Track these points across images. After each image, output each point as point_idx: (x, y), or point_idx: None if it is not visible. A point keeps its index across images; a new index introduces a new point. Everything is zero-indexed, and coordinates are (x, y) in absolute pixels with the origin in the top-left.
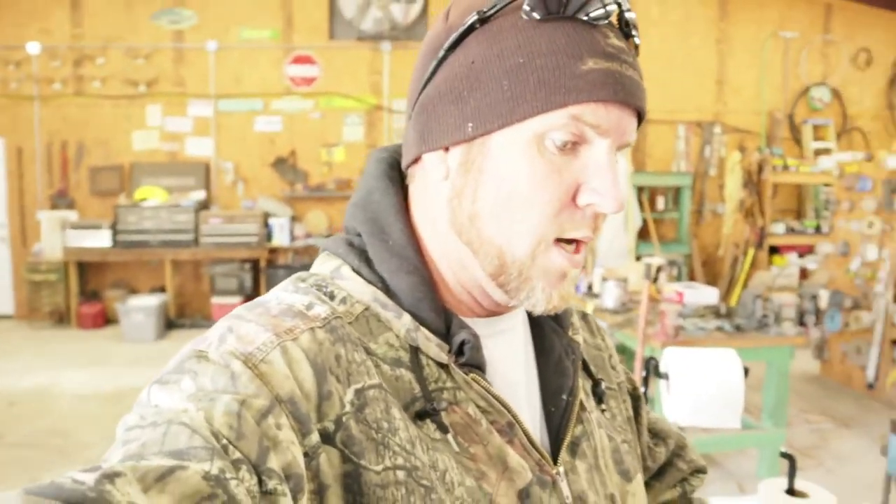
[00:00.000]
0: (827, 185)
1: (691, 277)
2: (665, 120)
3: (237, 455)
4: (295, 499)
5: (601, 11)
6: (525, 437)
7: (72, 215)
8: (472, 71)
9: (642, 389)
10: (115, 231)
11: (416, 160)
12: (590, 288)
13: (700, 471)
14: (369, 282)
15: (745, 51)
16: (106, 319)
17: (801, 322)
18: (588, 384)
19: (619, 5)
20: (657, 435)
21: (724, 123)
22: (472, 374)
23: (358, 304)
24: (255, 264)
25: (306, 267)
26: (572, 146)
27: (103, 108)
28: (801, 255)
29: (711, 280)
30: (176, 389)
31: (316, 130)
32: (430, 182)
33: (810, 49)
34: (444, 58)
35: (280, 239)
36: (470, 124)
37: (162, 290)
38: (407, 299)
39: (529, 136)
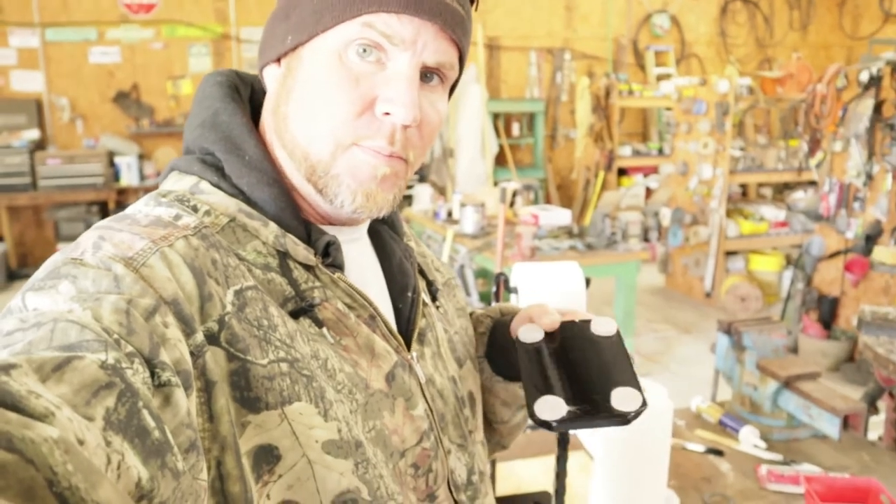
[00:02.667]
0: (668, 108)
1: (547, 200)
2: (517, 47)
3: (129, 349)
4: (185, 394)
5: None
6: (385, 327)
7: None
8: None
9: (494, 304)
10: None
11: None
12: (449, 214)
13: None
14: (231, 195)
15: None
16: None
17: (645, 238)
18: (423, 283)
19: None
20: None
21: (574, 50)
22: (336, 274)
23: (223, 215)
24: (103, 206)
25: None
26: (376, 59)
27: None
28: (646, 176)
29: (566, 202)
30: (54, 293)
31: (159, 62)
32: (269, 96)
33: None
34: None
35: (129, 178)
36: (289, 37)
37: None
38: (270, 209)
39: (332, 45)
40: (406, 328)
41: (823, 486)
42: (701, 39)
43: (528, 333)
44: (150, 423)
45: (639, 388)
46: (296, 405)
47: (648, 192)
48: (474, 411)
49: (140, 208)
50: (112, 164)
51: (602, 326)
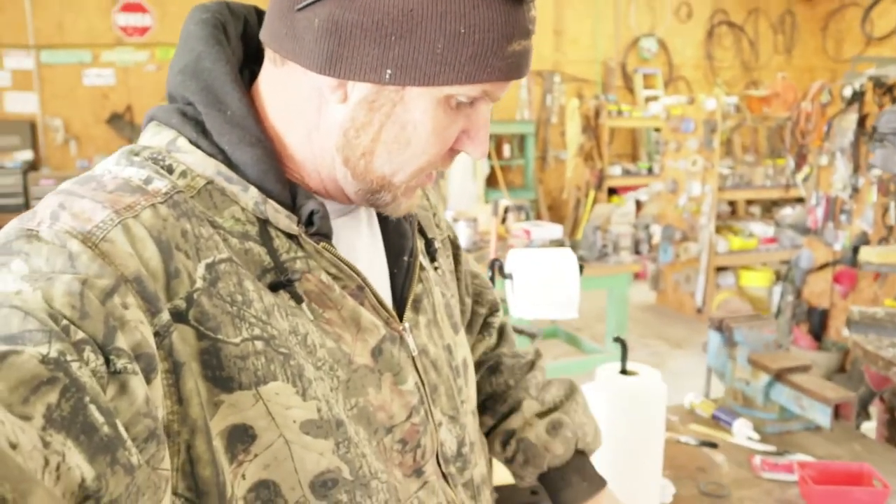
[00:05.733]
0: (657, 129)
1: (538, 220)
2: None
3: (80, 335)
4: (147, 379)
5: None
6: (374, 298)
7: None
8: (408, 19)
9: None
10: None
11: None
12: None
13: (496, 309)
14: (210, 154)
15: (580, 2)
16: None
17: (636, 251)
18: (422, 243)
19: None
20: (478, 296)
21: (563, 73)
22: (322, 243)
23: (199, 177)
24: None
25: None
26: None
27: None
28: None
29: (557, 222)
30: (6, 272)
31: (153, 84)
32: (307, 87)
33: (638, 2)
34: None
35: None
36: (389, 71)
37: None
38: (251, 172)
39: (441, 96)
40: (401, 294)
41: (817, 471)
42: (688, 62)
43: None
44: (98, 418)
45: None
46: (271, 385)
47: (639, 205)
48: (467, 380)
49: (110, 167)
50: None
51: None
